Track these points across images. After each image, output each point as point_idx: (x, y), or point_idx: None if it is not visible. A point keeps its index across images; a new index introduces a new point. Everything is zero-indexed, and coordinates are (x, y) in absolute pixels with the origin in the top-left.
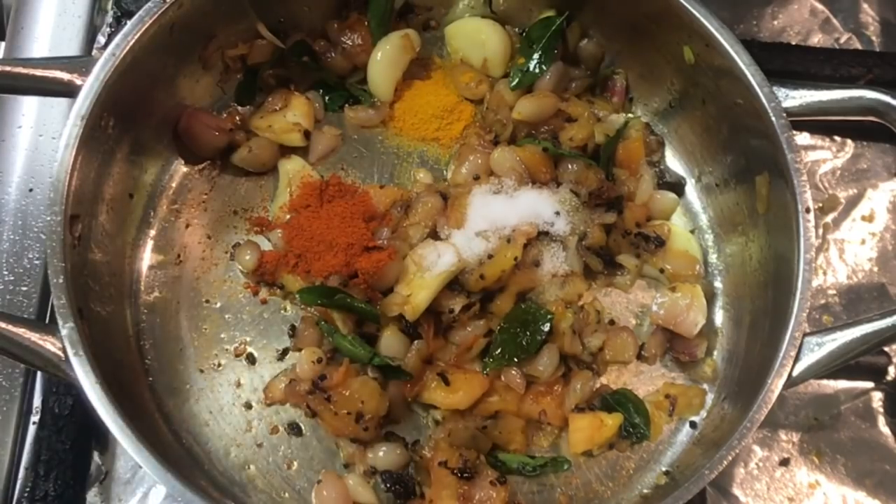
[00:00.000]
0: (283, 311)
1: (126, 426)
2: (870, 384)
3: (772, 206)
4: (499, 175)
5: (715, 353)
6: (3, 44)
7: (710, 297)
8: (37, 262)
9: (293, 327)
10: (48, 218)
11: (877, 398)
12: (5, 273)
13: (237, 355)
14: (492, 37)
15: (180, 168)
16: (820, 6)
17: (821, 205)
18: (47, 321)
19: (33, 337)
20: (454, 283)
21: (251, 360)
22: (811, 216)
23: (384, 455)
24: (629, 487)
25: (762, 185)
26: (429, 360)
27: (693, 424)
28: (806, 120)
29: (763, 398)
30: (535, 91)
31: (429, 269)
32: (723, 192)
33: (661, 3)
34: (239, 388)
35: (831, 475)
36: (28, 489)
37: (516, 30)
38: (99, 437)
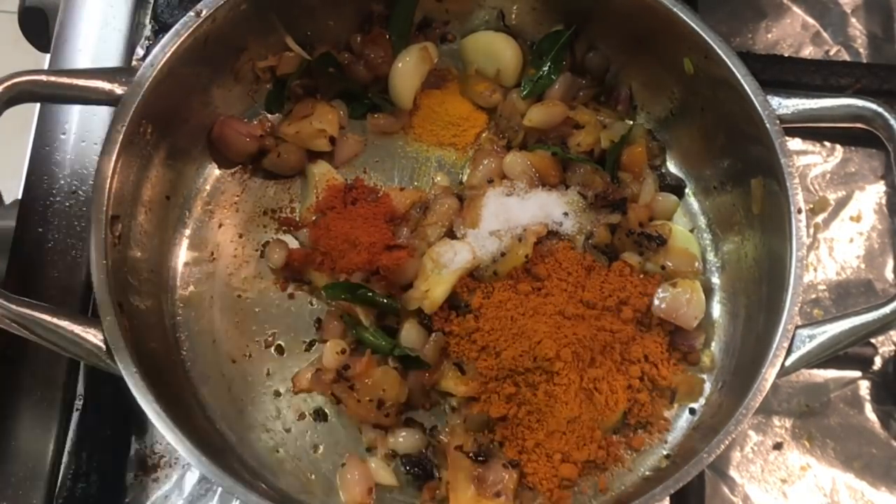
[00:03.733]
0: (309, 305)
1: (163, 412)
2: (857, 373)
3: (766, 207)
4: (511, 178)
5: (713, 344)
6: (49, 56)
7: (709, 292)
8: (80, 259)
9: (319, 320)
10: (91, 218)
11: (864, 386)
12: (51, 269)
13: (267, 346)
14: (505, 49)
15: (214, 172)
16: (811, 20)
17: (812, 206)
18: (90, 315)
19: (76, 329)
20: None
21: (280, 350)
22: (803, 216)
23: (404, 440)
24: (632, 470)
25: (757, 187)
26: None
27: (692, 411)
28: (798, 126)
29: (758, 387)
30: (545, 100)
31: (446, 265)
32: (720, 194)
33: (663, 18)
34: (268, 377)
35: (821, 458)
36: (72, 471)
37: (528, 43)
38: (138, 423)
